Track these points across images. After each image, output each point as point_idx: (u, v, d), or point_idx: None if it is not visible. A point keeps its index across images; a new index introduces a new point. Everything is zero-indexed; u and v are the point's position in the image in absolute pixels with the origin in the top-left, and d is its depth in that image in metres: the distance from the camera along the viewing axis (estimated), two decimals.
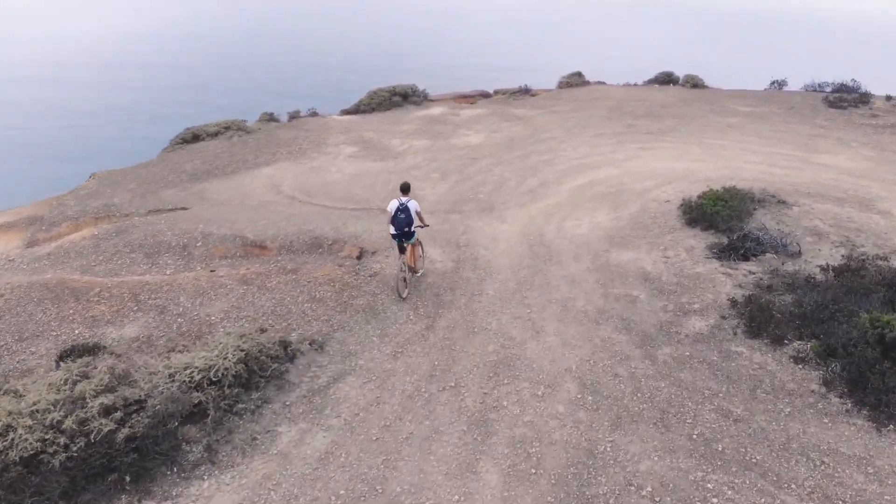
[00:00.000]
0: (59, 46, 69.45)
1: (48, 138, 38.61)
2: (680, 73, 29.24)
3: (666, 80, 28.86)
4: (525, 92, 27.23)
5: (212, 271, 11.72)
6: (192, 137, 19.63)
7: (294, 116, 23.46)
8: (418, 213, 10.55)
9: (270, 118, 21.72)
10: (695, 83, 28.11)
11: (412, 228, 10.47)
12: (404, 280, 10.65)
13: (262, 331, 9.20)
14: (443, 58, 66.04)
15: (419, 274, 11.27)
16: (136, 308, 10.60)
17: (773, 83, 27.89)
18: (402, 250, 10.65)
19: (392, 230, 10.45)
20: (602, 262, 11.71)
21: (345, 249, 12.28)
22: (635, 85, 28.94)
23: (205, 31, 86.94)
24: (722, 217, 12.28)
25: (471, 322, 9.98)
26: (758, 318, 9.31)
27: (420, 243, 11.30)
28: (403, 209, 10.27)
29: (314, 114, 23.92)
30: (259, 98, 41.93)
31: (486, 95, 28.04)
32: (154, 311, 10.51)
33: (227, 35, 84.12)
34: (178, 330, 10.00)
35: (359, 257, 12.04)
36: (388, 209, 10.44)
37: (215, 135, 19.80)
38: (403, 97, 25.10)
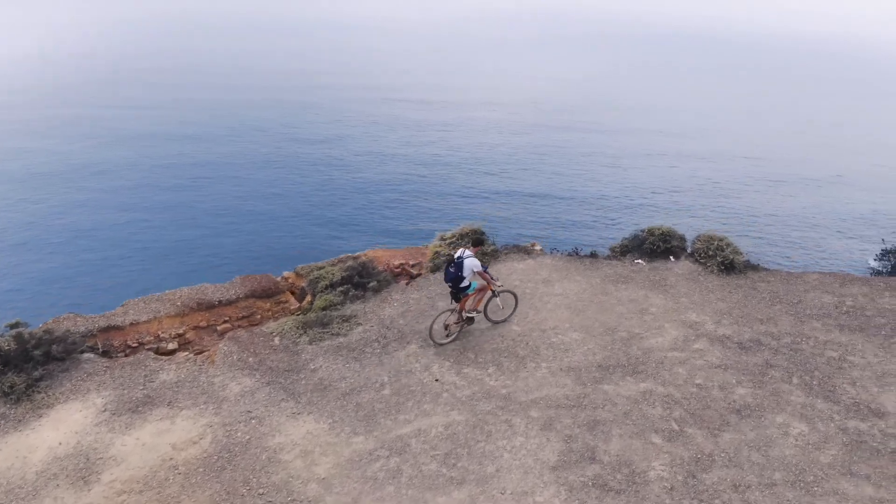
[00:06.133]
0: None
1: None
2: None
3: None
4: (527, 251, 14.02)
5: None
6: None
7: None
8: (479, 274, 9.49)
9: None
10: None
11: (463, 286, 9.58)
12: (445, 327, 9.88)
13: None
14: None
15: (470, 325, 10.26)
16: None
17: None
18: (455, 299, 9.94)
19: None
20: None
21: None
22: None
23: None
24: None
25: None
26: None
27: (488, 295, 10.31)
28: (457, 264, 9.39)
29: None
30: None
31: (407, 273, 13.09)
32: None
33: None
34: None
35: None
36: (455, 255, 9.72)
37: None
38: None
